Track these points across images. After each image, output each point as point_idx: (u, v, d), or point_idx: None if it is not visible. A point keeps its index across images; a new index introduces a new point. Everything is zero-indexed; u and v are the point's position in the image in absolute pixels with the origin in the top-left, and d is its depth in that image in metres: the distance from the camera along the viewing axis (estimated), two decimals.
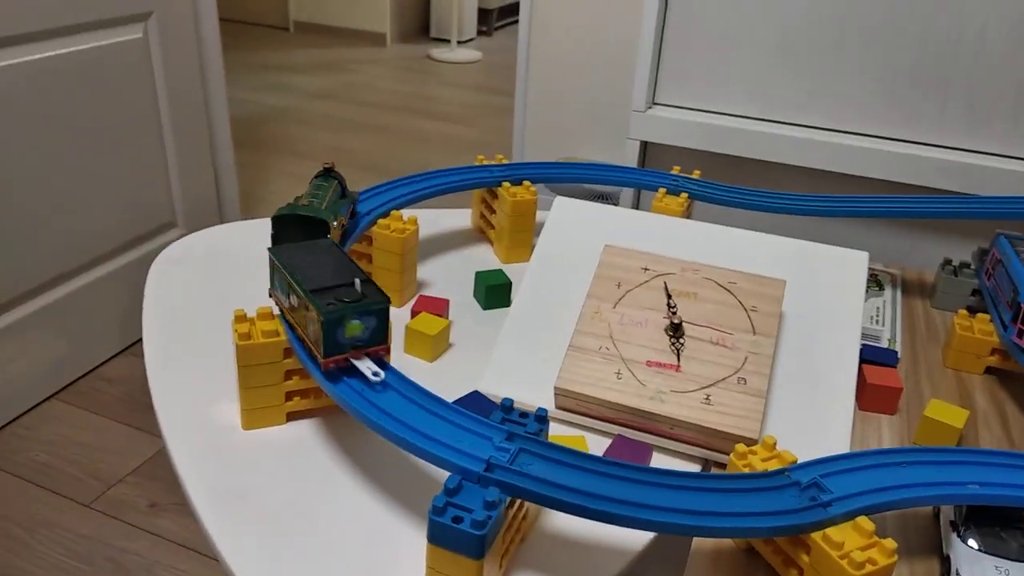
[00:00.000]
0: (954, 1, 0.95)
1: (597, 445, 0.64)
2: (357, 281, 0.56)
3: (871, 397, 0.71)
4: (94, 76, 1.60)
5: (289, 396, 0.62)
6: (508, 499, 0.48)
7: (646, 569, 0.58)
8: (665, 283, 0.70)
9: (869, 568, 0.47)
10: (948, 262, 0.88)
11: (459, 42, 4.96)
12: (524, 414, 0.55)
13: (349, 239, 0.74)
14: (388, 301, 0.56)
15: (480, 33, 5.38)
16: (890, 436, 0.69)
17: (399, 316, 0.78)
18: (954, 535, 0.54)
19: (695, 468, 0.63)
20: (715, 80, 1.09)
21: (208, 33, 1.94)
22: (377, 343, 0.56)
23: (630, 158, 1.12)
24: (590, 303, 0.70)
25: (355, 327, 0.54)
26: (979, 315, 0.78)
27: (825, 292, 0.73)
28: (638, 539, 0.56)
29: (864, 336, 0.81)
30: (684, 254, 0.75)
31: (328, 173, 0.75)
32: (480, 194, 0.96)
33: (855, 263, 0.75)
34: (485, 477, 0.48)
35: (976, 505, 0.54)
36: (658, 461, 0.63)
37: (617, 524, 0.48)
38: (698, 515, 0.49)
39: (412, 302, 0.79)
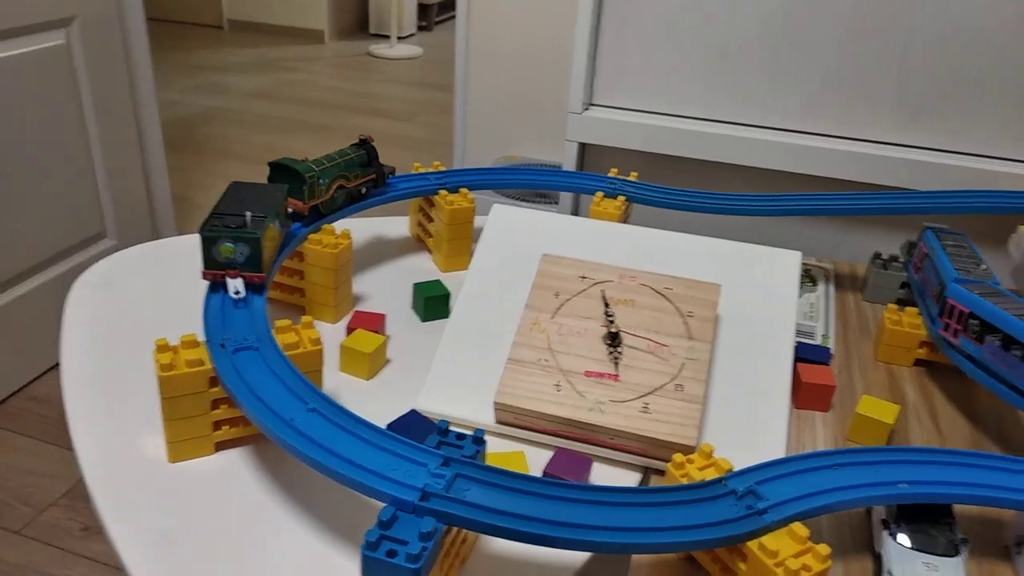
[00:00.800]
0: (882, 3, 0.96)
1: (538, 458, 0.63)
2: (248, 214, 0.65)
3: (806, 396, 0.72)
4: (15, 84, 1.53)
5: (217, 425, 0.60)
6: (445, 528, 0.47)
7: None
8: (603, 291, 0.70)
9: (804, 575, 0.47)
10: (878, 256, 0.90)
11: (399, 38, 4.90)
12: (461, 436, 0.54)
13: (284, 251, 0.72)
14: (260, 237, 0.63)
15: (420, 28, 5.32)
16: (825, 434, 0.70)
17: (335, 333, 0.77)
18: (885, 533, 0.55)
19: (636, 477, 0.64)
20: (652, 80, 1.09)
21: (135, 35, 1.87)
22: (253, 270, 0.64)
23: (569, 159, 1.12)
24: (528, 314, 0.69)
25: (227, 249, 0.63)
26: (908, 308, 0.80)
27: (760, 293, 0.74)
28: (579, 555, 0.56)
29: (799, 332, 0.83)
30: (622, 259, 0.75)
31: (362, 144, 0.83)
32: (417, 202, 0.94)
33: (788, 262, 0.76)
34: (420, 507, 0.47)
35: (907, 504, 0.55)
36: (599, 471, 0.63)
37: (556, 547, 0.48)
38: (636, 532, 0.49)
39: (348, 318, 0.77)
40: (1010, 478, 0.55)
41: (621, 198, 0.90)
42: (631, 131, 1.09)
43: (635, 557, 0.56)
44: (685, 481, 0.54)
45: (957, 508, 0.61)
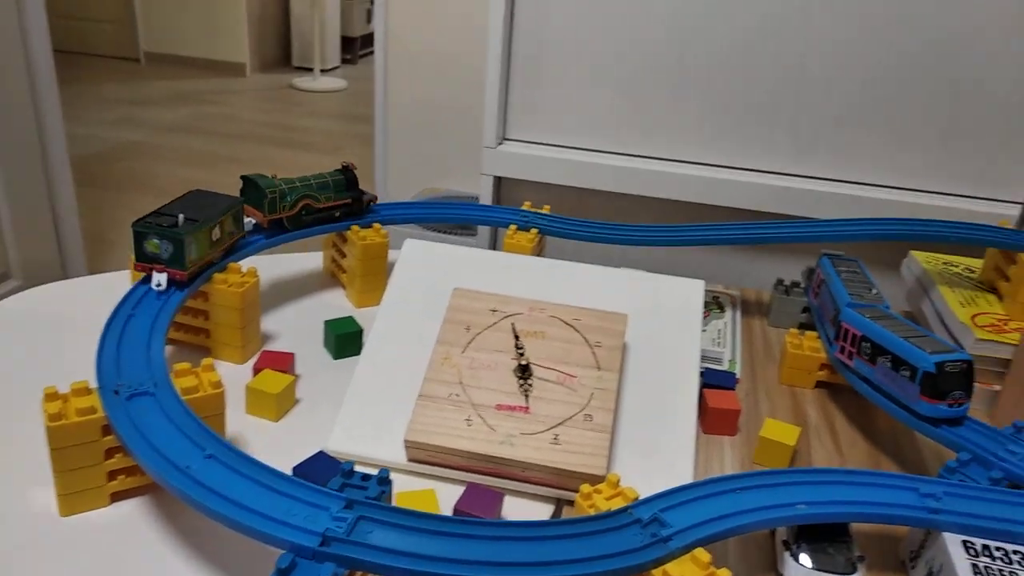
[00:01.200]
0: (774, 38, 1.01)
1: (452, 495, 0.63)
2: (181, 216, 0.70)
3: (712, 420, 0.74)
4: None
5: (113, 475, 0.57)
6: (346, 573, 0.46)
7: None
8: (513, 324, 0.71)
9: None
10: (780, 282, 0.94)
11: (323, 71, 4.88)
12: (366, 477, 0.53)
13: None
14: (184, 237, 0.68)
15: (345, 61, 5.32)
16: (732, 457, 0.72)
17: (243, 374, 0.75)
18: (786, 554, 0.57)
19: (549, 508, 0.64)
20: (563, 115, 1.12)
21: (41, 66, 1.81)
22: (176, 267, 0.69)
23: (485, 192, 1.13)
24: (439, 349, 0.69)
25: (153, 245, 0.69)
26: (808, 332, 0.84)
27: (666, 321, 0.76)
28: None
29: (706, 359, 0.85)
30: (533, 292, 0.76)
31: (343, 170, 0.88)
32: (331, 237, 0.93)
33: (692, 291, 0.78)
34: (320, 552, 0.46)
35: (806, 524, 0.57)
36: (512, 505, 0.63)
37: None
38: (543, 566, 0.49)
39: (255, 359, 0.75)
40: (903, 495, 0.57)
41: (534, 231, 0.91)
42: (544, 165, 1.11)
43: None
44: (592, 512, 0.55)
45: (855, 525, 0.63)
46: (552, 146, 1.13)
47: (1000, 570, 0.52)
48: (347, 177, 0.87)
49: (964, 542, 0.54)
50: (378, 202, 0.92)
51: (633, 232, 0.93)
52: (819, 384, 0.82)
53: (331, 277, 0.96)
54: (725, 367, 0.84)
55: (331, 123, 4.20)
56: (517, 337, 0.69)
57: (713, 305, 0.97)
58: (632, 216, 1.12)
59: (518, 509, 0.63)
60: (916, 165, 1.02)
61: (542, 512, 0.63)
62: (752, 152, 1.08)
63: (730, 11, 1.01)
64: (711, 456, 0.72)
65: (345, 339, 0.78)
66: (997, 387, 0.78)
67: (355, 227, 0.87)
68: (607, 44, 1.06)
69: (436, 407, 0.65)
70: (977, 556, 0.53)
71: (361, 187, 0.89)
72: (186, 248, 0.68)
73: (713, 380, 0.77)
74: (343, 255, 0.91)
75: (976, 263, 0.92)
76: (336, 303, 0.90)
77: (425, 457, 0.64)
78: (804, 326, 0.91)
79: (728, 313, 0.96)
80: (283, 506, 0.48)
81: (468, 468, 0.64)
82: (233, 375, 0.74)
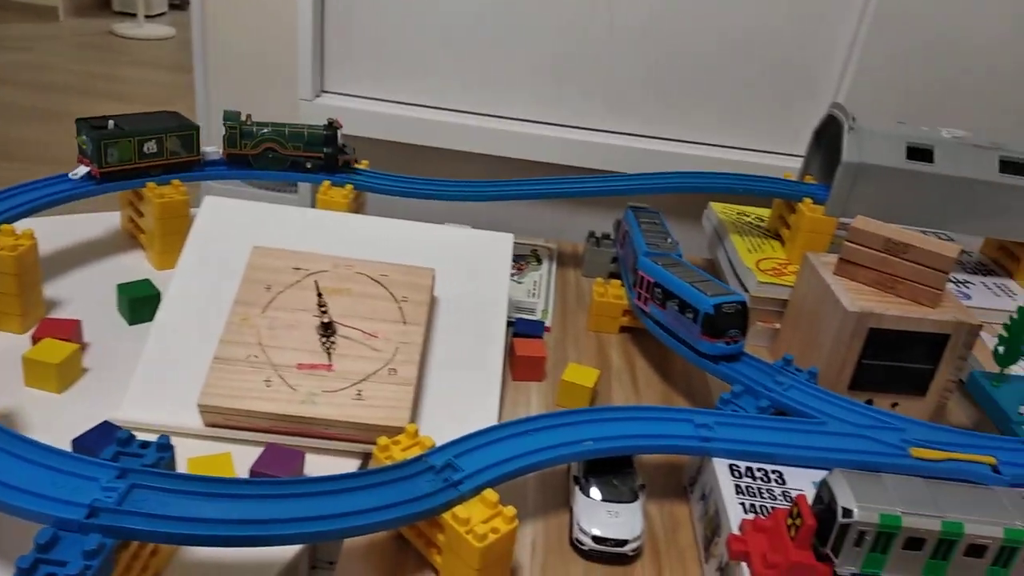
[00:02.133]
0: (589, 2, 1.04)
1: (252, 458, 0.61)
2: (111, 122, 0.80)
3: (521, 367, 0.76)
4: None
5: None
6: (118, 542, 0.44)
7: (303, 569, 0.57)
8: (316, 282, 0.69)
9: (492, 537, 0.50)
10: (592, 234, 0.98)
11: (147, 16, 4.49)
12: (145, 444, 0.51)
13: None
14: (101, 139, 0.78)
15: (172, 7, 4.92)
16: (538, 401, 0.75)
17: (24, 344, 0.69)
18: (576, 488, 0.60)
19: (357, 464, 0.64)
20: (384, 68, 1.09)
21: None
22: (93, 162, 0.79)
23: None
24: (237, 310, 0.67)
25: (81, 140, 0.80)
26: (613, 281, 0.88)
27: (476, 274, 0.77)
28: (289, 549, 0.55)
29: (520, 309, 0.88)
30: (342, 249, 0.75)
31: (327, 126, 0.89)
32: (127, 195, 0.87)
33: (501, 244, 0.80)
34: (86, 524, 0.44)
35: (594, 459, 0.61)
36: (318, 463, 0.63)
37: (248, 545, 0.47)
38: (332, 519, 0.49)
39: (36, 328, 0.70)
40: (680, 427, 0.62)
41: (349, 187, 0.89)
42: (366, 119, 1.09)
43: (346, 543, 0.57)
44: (389, 463, 0.56)
45: (643, 457, 0.68)
46: (374, 100, 1.10)
47: (759, 488, 0.58)
48: (326, 133, 0.89)
49: (731, 466, 0.60)
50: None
51: (453, 188, 0.94)
52: (623, 329, 0.87)
53: (131, 238, 0.90)
54: (538, 317, 0.87)
55: (159, 74, 3.89)
56: (320, 295, 0.68)
57: (531, 258, 1.00)
58: (458, 172, 1.12)
59: (324, 467, 0.63)
60: (714, 122, 1.09)
61: (349, 468, 0.63)
62: (570, 109, 1.10)
63: None
64: (519, 401, 0.75)
65: (139, 303, 0.74)
66: (777, 325, 0.85)
67: (151, 184, 0.82)
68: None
69: (233, 370, 0.63)
70: (741, 477, 0.59)
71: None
72: (103, 148, 0.78)
73: (523, 329, 0.80)
74: (140, 214, 0.85)
75: (766, 212, 1.00)
76: (136, 266, 0.85)
77: (223, 421, 0.62)
78: (614, 276, 0.96)
79: (545, 265, 0.99)
80: (46, 479, 0.46)
81: (270, 430, 0.63)
82: (12, 346, 0.68)
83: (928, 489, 0.49)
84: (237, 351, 0.64)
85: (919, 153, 0.85)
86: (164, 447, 0.51)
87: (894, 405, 0.73)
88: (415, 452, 0.57)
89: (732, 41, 1.06)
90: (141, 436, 0.52)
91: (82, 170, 0.79)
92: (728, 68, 1.07)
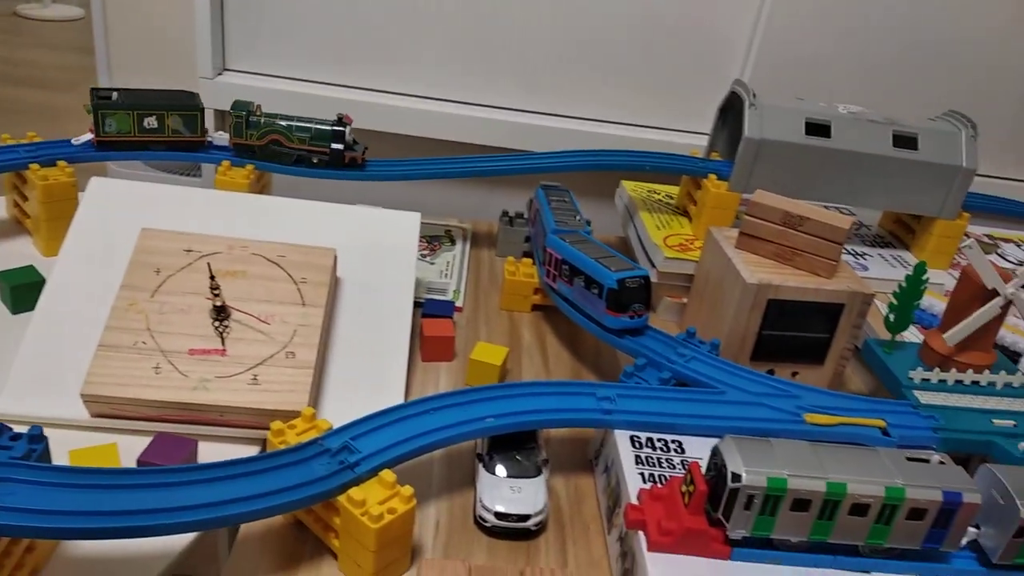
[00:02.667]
0: None
1: (140, 448, 0.59)
2: (115, 94, 0.82)
3: (429, 348, 0.75)
4: None
5: None
6: None
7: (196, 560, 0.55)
8: (208, 264, 0.67)
9: (388, 518, 0.50)
10: (505, 213, 0.97)
11: None
12: (16, 436, 0.48)
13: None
14: (99, 109, 0.80)
15: None
16: (447, 381, 0.74)
17: None
18: (480, 466, 0.60)
19: (254, 451, 0.62)
20: (289, 45, 1.06)
21: None
22: (95, 131, 0.82)
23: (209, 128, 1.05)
24: (123, 295, 0.64)
25: (87, 108, 0.80)
26: (524, 260, 0.88)
27: (381, 254, 0.76)
28: (178, 539, 0.53)
29: (432, 290, 0.87)
30: (239, 230, 0.72)
31: (337, 121, 0.87)
32: (10, 178, 0.82)
33: (407, 224, 0.79)
34: None
35: (498, 436, 0.60)
36: (213, 450, 0.61)
37: (126, 537, 0.45)
38: (222, 505, 0.48)
39: None
40: (583, 400, 0.62)
41: (250, 167, 0.86)
42: (272, 98, 1.05)
43: (242, 530, 0.55)
44: (283, 447, 0.54)
45: (552, 433, 0.68)
46: (278, 78, 1.07)
47: (658, 458, 0.59)
48: (333, 128, 0.86)
49: (631, 437, 0.60)
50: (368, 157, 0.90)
51: (367, 167, 0.91)
52: (535, 308, 0.87)
53: (18, 224, 0.85)
54: (449, 297, 0.86)
55: (67, 57, 3.70)
56: (213, 277, 0.65)
57: (444, 239, 0.99)
58: (368, 152, 1.10)
59: (219, 455, 0.60)
60: (625, 100, 1.10)
61: (246, 455, 0.61)
62: (481, 88, 1.09)
63: None
64: (427, 383, 0.74)
65: (22, 290, 0.70)
66: (685, 300, 0.87)
67: (34, 166, 0.77)
68: None
69: (119, 357, 0.60)
70: (641, 448, 0.59)
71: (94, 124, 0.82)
72: (102, 119, 0.80)
73: (432, 310, 0.79)
74: (25, 198, 0.81)
75: (675, 190, 1.01)
76: (22, 252, 0.80)
77: (109, 411, 0.60)
78: (528, 255, 0.95)
79: (458, 246, 0.98)
80: None
81: (160, 418, 0.60)
82: None
83: (814, 452, 0.50)
84: (124, 337, 0.61)
85: (817, 128, 0.87)
86: (36, 438, 0.48)
87: (794, 374, 0.75)
88: (312, 436, 0.55)
89: (642, 20, 1.06)
90: (22, 429, 0.49)
91: (85, 137, 0.82)
92: (639, 47, 1.08)
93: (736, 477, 0.48)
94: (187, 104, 0.84)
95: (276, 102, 1.05)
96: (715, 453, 0.50)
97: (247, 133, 0.85)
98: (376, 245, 0.76)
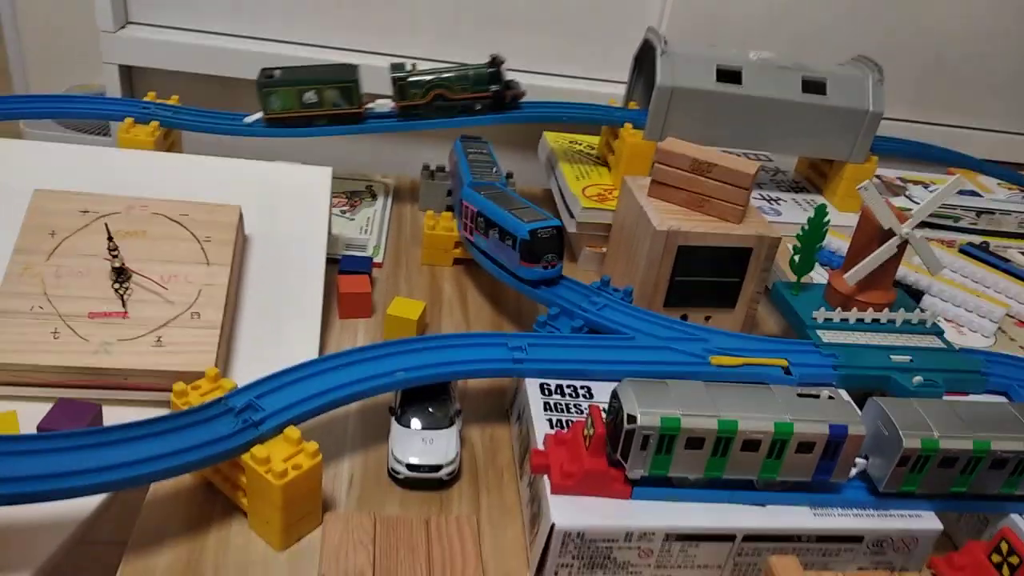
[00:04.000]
0: None
1: (42, 416, 0.58)
2: (277, 71, 0.83)
3: (346, 305, 0.75)
4: None
5: None
6: None
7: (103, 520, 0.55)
8: (107, 224, 0.65)
9: (293, 474, 0.50)
10: (426, 167, 0.96)
11: None
12: None
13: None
14: (264, 86, 0.83)
15: None
16: (366, 338, 0.74)
17: None
18: (393, 419, 0.60)
19: (160, 414, 0.61)
20: None
21: None
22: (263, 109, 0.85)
23: (112, 84, 1.01)
24: (17, 259, 0.62)
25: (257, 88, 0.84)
26: (444, 214, 0.87)
27: (292, 209, 0.75)
28: (85, 503, 0.52)
29: (351, 246, 0.86)
30: (143, 190, 0.70)
31: (491, 63, 0.86)
32: None
33: (319, 178, 0.77)
34: None
35: (410, 389, 0.61)
36: (118, 415, 0.59)
37: (26, 503, 0.45)
38: (122, 467, 0.47)
39: None
40: (494, 351, 0.62)
41: (154, 123, 0.83)
42: (177, 52, 1.01)
43: (151, 492, 0.55)
44: (187, 407, 0.53)
45: (472, 385, 0.69)
46: (186, 30, 1.02)
47: (567, 404, 0.60)
48: (490, 70, 0.85)
49: (541, 384, 0.61)
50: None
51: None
52: (457, 261, 0.87)
53: None
54: (368, 253, 0.85)
55: None
56: (111, 238, 0.63)
57: (365, 194, 0.97)
58: None
59: (125, 419, 0.60)
60: (545, 50, 1.08)
61: None
62: (398, 39, 1.07)
63: None
64: (344, 340, 0.73)
65: None
66: (604, 249, 0.88)
67: None
68: None
69: (14, 323, 0.58)
70: (550, 395, 0.60)
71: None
72: (266, 97, 0.83)
73: (349, 266, 0.78)
74: None
75: (596, 140, 1.01)
76: None
77: (7, 378, 0.58)
78: (450, 208, 0.95)
79: (380, 201, 0.97)
80: None
81: (62, 384, 0.59)
82: None
83: (708, 392, 0.52)
84: (19, 303, 0.59)
85: (728, 75, 0.87)
86: None
87: (707, 319, 0.77)
88: (216, 396, 0.54)
89: None
90: None
91: (256, 116, 0.84)
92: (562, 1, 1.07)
93: (632, 418, 0.49)
94: (343, 77, 0.84)
95: (184, 56, 1.02)
96: (613, 396, 0.52)
97: (411, 94, 0.85)
98: (287, 201, 0.75)
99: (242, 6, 1.03)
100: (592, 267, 0.89)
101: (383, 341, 0.61)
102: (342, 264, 0.78)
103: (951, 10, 1.13)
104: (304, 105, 0.83)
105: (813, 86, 0.89)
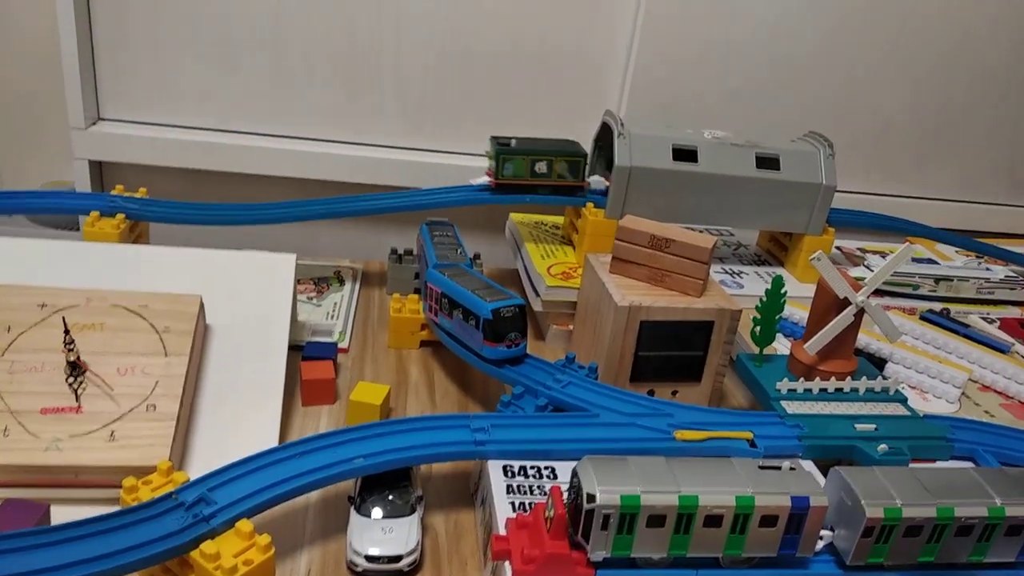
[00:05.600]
0: (371, 13, 1.04)
1: None
2: (513, 141, 0.91)
3: (309, 392, 0.74)
4: None
5: None
6: None
7: None
8: (64, 318, 0.64)
9: (244, 569, 0.48)
10: (394, 251, 0.97)
11: None
12: None
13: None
14: (499, 153, 0.90)
15: None
16: (329, 425, 0.73)
17: None
18: (352, 508, 0.59)
19: (111, 511, 0.59)
20: (165, 91, 1.04)
21: None
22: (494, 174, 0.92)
23: (82, 179, 1.02)
24: None
25: (489, 154, 0.91)
26: (411, 296, 0.87)
27: (255, 299, 0.75)
28: None
29: (317, 333, 0.85)
30: (105, 282, 0.70)
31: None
32: None
33: (283, 266, 0.78)
34: None
35: (370, 476, 0.59)
36: (68, 514, 0.57)
37: None
38: (65, 569, 0.46)
39: None
40: (456, 433, 0.61)
41: (120, 216, 0.84)
42: (148, 146, 1.03)
43: None
44: (136, 503, 0.52)
45: (435, 468, 0.67)
46: (156, 125, 1.05)
47: (530, 486, 0.59)
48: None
49: (504, 466, 0.60)
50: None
51: (241, 212, 0.90)
52: (424, 344, 0.87)
53: None
54: (334, 338, 0.85)
55: None
56: (67, 332, 0.63)
57: (333, 280, 0.98)
58: (254, 197, 1.09)
59: (77, 517, 0.58)
60: (513, 135, 1.12)
61: None
62: (364, 127, 1.10)
63: None
64: (308, 427, 0.72)
65: None
66: (571, 326, 0.88)
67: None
68: (203, 9, 1.01)
69: None
70: (513, 477, 0.59)
71: None
72: (502, 163, 0.89)
73: (312, 352, 0.78)
74: None
75: (561, 220, 1.03)
76: None
77: None
78: (419, 291, 0.95)
79: (348, 286, 0.97)
80: None
81: (10, 483, 0.57)
82: None
83: (669, 467, 0.51)
84: None
85: (684, 154, 0.90)
86: None
87: (674, 393, 0.77)
88: (168, 490, 0.53)
89: (525, 56, 1.09)
90: None
91: (483, 180, 0.91)
92: (520, 81, 1.10)
93: (591, 497, 0.48)
94: (573, 151, 0.91)
95: (155, 150, 1.04)
96: (573, 475, 0.51)
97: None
98: (249, 290, 0.75)
99: (209, 100, 1.06)
100: (560, 345, 0.89)
101: (343, 428, 0.60)
102: (306, 350, 0.78)
103: (899, 85, 1.18)
104: (534, 174, 0.90)
105: (767, 162, 0.92)
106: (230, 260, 0.77)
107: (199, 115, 1.06)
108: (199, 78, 1.04)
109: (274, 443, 0.66)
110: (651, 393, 0.75)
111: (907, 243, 0.92)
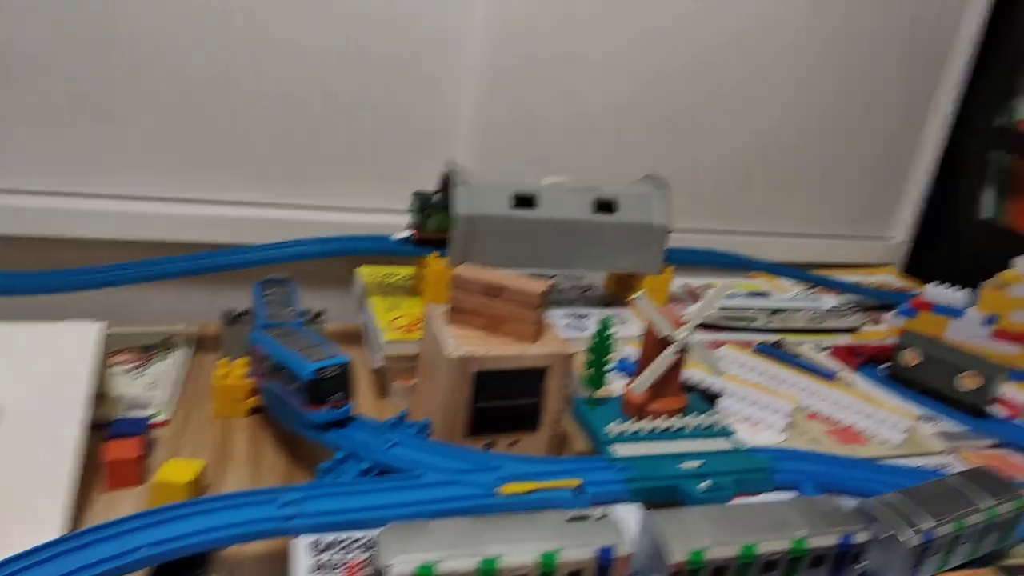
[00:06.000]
0: (232, 66, 0.99)
1: None
2: (437, 195, 0.92)
3: (113, 474, 0.68)
4: None
5: None
6: None
7: None
8: None
9: None
10: (227, 312, 0.91)
11: None
12: None
13: None
14: (422, 208, 0.92)
15: None
16: (136, 510, 0.66)
17: None
18: None
19: None
20: None
21: None
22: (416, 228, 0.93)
23: None
24: None
25: (411, 208, 0.93)
26: (239, 361, 0.82)
27: (47, 374, 0.68)
28: None
29: (134, 406, 0.79)
30: None
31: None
32: None
33: (84, 336, 0.71)
34: None
35: (162, 566, 0.54)
36: None
37: None
38: None
39: None
40: (262, 510, 0.56)
41: None
42: None
43: None
44: None
45: (247, 549, 0.62)
46: None
47: (341, 560, 0.54)
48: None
49: (314, 541, 0.56)
50: None
51: (73, 276, 0.83)
52: (255, 411, 0.81)
53: None
54: (150, 412, 0.78)
55: None
56: None
57: (160, 347, 0.91)
58: (81, 261, 1.01)
59: None
60: (354, 187, 1.09)
61: None
62: (202, 183, 1.04)
63: (170, 39, 0.97)
64: (110, 515, 0.65)
65: None
66: (414, 381, 0.84)
67: None
68: (37, 66, 0.94)
69: None
70: (323, 552, 0.55)
71: None
72: (426, 218, 0.90)
73: (120, 430, 0.71)
74: None
75: (412, 271, 1.01)
76: None
77: None
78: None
79: (179, 353, 0.90)
80: None
81: None
82: None
83: (474, 528, 0.48)
84: None
85: (523, 200, 0.90)
86: None
87: (514, 443, 0.74)
88: None
89: (363, 108, 1.07)
90: None
91: (404, 233, 0.92)
92: (359, 131, 1.08)
93: (386, 569, 0.45)
94: None
95: None
96: (372, 546, 0.47)
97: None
98: (41, 365, 0.68)
99: (33, 161, 0.98)
100: (403, 401, 0.86)
101: (128, 515, 0.54)
102: (112, 428, 0.71)
103: (744, 126, 1.23)
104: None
105: (604, 205, 0.92)
106: (20, 333, 0.70)
107: (18, 176, 0.98)
108: (22, 138, 0.97)
109: (57, 535, 0.59)
110: (490, 445, 0.73)
111: (755, 279, 0.93)
